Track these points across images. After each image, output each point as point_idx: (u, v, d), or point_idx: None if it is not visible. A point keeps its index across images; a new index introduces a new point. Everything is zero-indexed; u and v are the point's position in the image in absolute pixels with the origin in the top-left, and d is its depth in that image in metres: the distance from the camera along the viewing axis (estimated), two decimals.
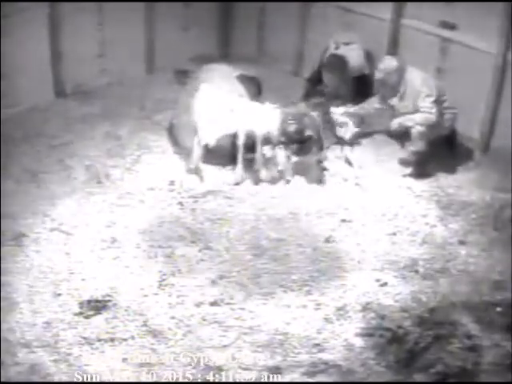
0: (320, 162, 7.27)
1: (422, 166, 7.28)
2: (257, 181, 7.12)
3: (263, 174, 7.15)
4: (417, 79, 7.15)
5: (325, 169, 7.31)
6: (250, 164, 7.14)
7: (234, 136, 7.10)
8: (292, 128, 7.15)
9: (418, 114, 7.10)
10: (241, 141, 7.06)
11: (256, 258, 6.11)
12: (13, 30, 7.62)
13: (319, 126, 7.27)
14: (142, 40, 9.00)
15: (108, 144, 7.67)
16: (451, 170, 7.46)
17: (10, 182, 6.84)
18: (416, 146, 7.18)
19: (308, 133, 7.20)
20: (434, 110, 7.06)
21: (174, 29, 9.15)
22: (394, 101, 7.31)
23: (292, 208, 6.79)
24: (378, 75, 7.37)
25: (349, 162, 7.47)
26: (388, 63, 7.27)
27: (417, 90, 7.10)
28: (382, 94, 7.46)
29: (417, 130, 7.09)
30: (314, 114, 7.33)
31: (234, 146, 7.16)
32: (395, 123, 7.25)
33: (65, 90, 8.49)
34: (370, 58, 8.24)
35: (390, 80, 7.24)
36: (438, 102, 7.13)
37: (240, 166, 7.10)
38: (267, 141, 7.14)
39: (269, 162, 7.18)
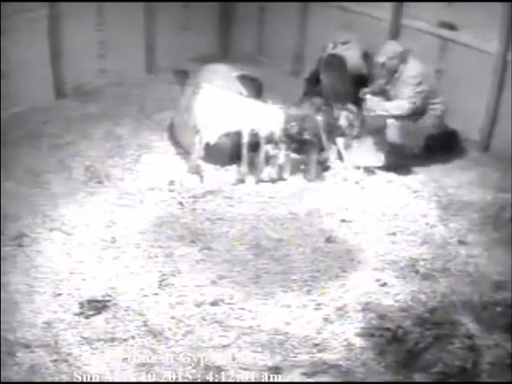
0: (321, 162, 7.28)
1: (397, 158, 7.23)
2: (259, 179, 7.14)
3: (265, 172, 7.16)
4: (414, 68, 7.15)
5: (326, 169, 7.31)
6: (252, 162, 7.16)
7: (236, 135, 7.10)
8: (294, 129, 7.17)
9: (392, 102, 7.11)
10: (245, 140, 7.07)
11: (256, 257, 6.11)
12: (13, 29, 7.62)
13: (320, 128, 7.30)
14: (142, 40, 9.02)
15: (108, 144, 7.68)
16: (451, 169, 7.47)
17: (11, 182, 6.83)
18: (391, 136, 7.15)
19: (308, 135, 7.21)
20: (414, 100, 7.05)
21: (174, 29, 9.17)
22: (389, 86, 7.32)
23: (292, 208, 6.79)
24: (380, 58, 7.31)
25: (340, 157, 7.47)
26: (391, 48, 7.25)
27: (410, 77, 7.10)
28: (381, 77, 7.45)
29: (390, 121, 7.09)
30: (316, 115, 7.37)
31: (234, 145, 7.17)
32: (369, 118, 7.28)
33: (65, 90, 8.50)
34: (368, 57, 8.24)
35: (390, 64, 7.23)
36: (426, 93, 7.10)
37: (245, 164, 7.11)
38: (269, 140, 7.16)
39: (270, 160, 7.19)
